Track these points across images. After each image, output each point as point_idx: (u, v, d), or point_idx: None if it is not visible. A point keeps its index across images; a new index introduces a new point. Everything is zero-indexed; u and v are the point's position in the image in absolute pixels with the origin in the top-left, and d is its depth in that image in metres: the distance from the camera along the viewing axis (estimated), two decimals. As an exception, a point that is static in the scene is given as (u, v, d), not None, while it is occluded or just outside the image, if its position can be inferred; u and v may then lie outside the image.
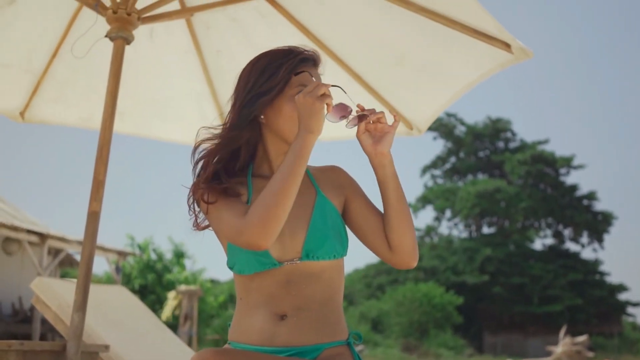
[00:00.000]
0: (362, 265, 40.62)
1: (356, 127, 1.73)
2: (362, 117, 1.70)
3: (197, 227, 1.77)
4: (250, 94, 1.71)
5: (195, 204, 1.74)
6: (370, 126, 1.71)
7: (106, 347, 3.22)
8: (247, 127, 1.73)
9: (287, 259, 1.66)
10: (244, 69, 1.79)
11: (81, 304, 2.84)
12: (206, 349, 1.47)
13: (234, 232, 1.57)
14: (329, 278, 1.70)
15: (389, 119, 1.75)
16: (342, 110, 1.66)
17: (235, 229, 1.57)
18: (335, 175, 1.84)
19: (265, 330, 1.64)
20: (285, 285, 1.66)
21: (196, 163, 1.75)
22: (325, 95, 1.60)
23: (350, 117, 1.69)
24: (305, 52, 1.77)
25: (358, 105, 1.70)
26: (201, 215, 1.76)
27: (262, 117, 1.74)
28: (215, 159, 1.74)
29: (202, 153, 1.75)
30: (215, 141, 1.75)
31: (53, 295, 3.43)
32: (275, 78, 1.70)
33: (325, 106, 1.61)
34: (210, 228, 1.76)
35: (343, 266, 1.77)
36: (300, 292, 1.66)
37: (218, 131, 1.77)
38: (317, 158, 1.87)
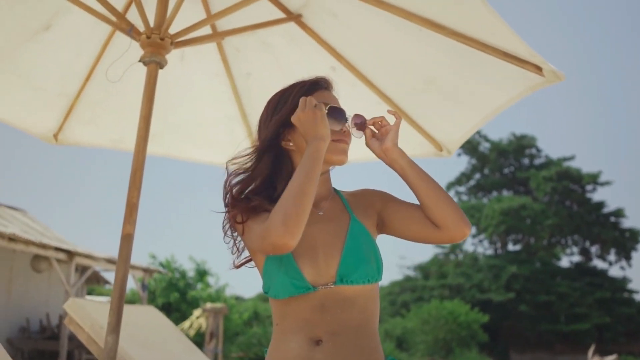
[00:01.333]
0: (387, 282, 40.42)
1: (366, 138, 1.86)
2: (362, 123, 1.84)
3: (235, 265, 1.83)
4: (268, 126, 1.80)
5: (231, 231, 1.78)
6: (376, 134, 1.85)
7: (138, 369, 3.25)
8: (272, 156, 1.80)
9: (322, 283, 1.67)
10: (263, 110, 1.87)
11: (115, 326, 2.87)
12: None
13: (259, 238, 1.61)
14: (364, 303, 1.71)
15: (392, 120, 1.87)
16: (341, 117, 1.78)
17: (260, 235, 1.61)
18: (365, 197, 1.88)
19: (301, 356, 1.65)
20: (320, 310, 1.67)
21: (228, 194, 1.79)
22: (320, 104, 1.71)
23: (348, 123, 1.81)
24: (315, 78, 1.85)
25: (356, 115, 1.82)
26: (239, 244, 1.79)
27: (290, 144, 1.79)
28: (248, 189, 1.79)
29: (235, 185, 1.80)
30: (244, 174, 1.81)
31: (86, 316, 3.47)
32: (287, 104, 1.79)
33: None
34: (248, 265, 1.81)
35: (378, 292, 1.78)
36: (335, 317, 1.66)
37: (245, 159, 1.83)
38: (349, 180, 1.91)
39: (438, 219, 1.76)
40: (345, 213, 1.80)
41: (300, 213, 1.56)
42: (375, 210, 1.85)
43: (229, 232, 1.80)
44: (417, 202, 1.82)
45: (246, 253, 1.82)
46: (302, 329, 1.67)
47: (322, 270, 1.68)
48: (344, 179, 1.99)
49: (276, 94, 1.87)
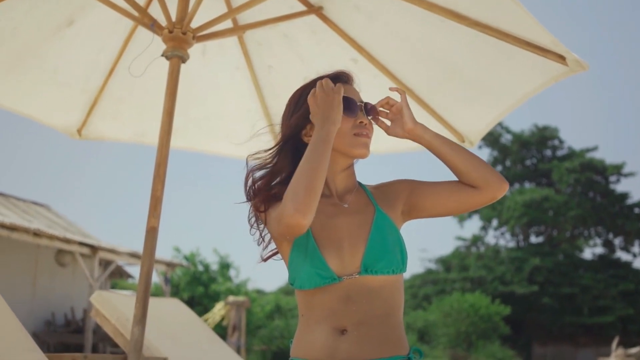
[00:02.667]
0: (408, 275, 40.37)
1: (390, 129, 1.88)
2: (371, 108, 1.86)
3: (263, 258, 1.86)
4: (290, 122, 1.83)
5: (257, 223, 1.80)
6: (388, 114, 1.88)
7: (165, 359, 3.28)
8: (294, 151, 1.82)
9: (347, 273, 1.69)
10: (285, 106, 1.89)
11: (141, 318, 2.90)
12: None
13: (276, 222, 1.65)
14: (389, 294, 1.72)
15: (397, 98, 1.89)
16: (353, 108, 1.79)
17: (276, 218, 1.65)
18: (390, 188, 1.89)
19: (326, 345, 1.67)
20: (345, 300, 1.68)
21: (250, 187, 1.82)
22: (339, 87, 1.74)
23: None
24: (336, 72, 1.86)
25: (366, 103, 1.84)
26: (265, 235, 1.82)
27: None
28: (272, 184, 1.82)
29: (257, 180, 1.82)
30: (266, 169, 1.84)
31: (112, 309, 3.51)
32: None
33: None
34: (275, 257, 1.84)
35: (402, 283, 1.79)
36: (360, 307, 1.68)
37: (266, 154, 1.85)
38: (372, 172, 1.93)
39: (478, 179, 1.79)
40: (370, 205, 1.81)
41: (310, 192, 1.59)
42: (402, 199, 1.86)
43: (254, 225, 1.82)
44: (450, 178, 1.85)
45: (273, 246, 1.84)
46: (327, 319, 1.68)
47: (347, 261, 1.70)
48: (369, 172, 2.00)
49: (297, 90, 1.88)
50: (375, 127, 1.90)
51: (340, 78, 1.87)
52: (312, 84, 1.85)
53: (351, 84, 1.88)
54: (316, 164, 1.63)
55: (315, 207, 1.60)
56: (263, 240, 1.84)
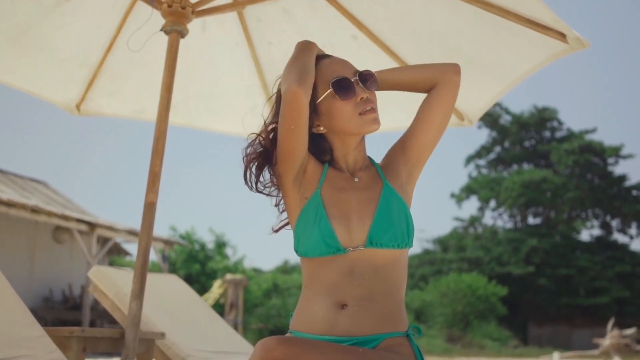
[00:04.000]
0: (405, 255, 40.44)
1: None
2: (367, 74, 1.85)
3: (274, 229, 1.91)
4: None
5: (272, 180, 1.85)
6: None
7: (162, 335, 3.30)
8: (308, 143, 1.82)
9: (353, 245, 1.70)
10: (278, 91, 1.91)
11: (139, 293, 2.91)
12: (270, 337, 1.50)
13: (283, 104, 1.74)
14: (392, 271, 1.73)
15: None
16: (348, 87, 1.81)
17: (282, 104, 1.74)
18: (390, 158, 1.91)
19: (325, 320, 1.68)
20: (349, 274, 1.69)
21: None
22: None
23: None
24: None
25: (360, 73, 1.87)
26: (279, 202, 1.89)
27: (320, 128, 1.82)
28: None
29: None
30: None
31: (110, 284, 3.52)
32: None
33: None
34: (287, 227, 1.87)
35: (406, 261, 1.80)
36: (362, 282, 1.69)
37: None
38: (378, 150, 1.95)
39: (433, 75, 1.88)
40: (379, 180, 1.83)
41: (301, 71, 1.72)
42: (401, 161, 1.88)
43: (268, 188, 1.86)
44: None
45: (284, 215, 1.87)
46: (329, 293, 1.70)
47: (353, 233, 1.71)
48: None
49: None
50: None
51: (323, 55, 1.88)
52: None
53: (333, 57, 1.88)
54: (303, 59, 1.77)
55: (309, 82, 1.72)
56: (278, 205, 1.88)
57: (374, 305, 1.68)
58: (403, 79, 1.91)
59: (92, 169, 68.85)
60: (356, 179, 1.82)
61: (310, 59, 1.78)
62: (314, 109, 1.79)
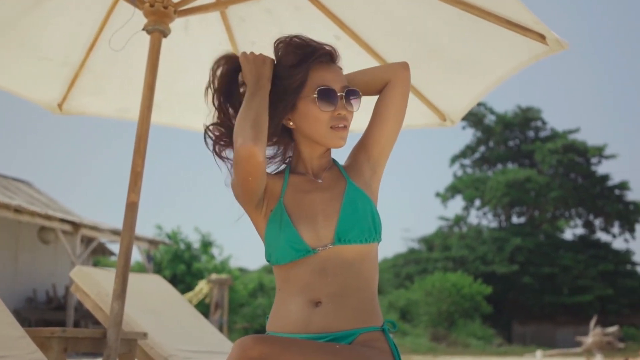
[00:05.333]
0: (391, 255, 40.59)
1: None
2: (353, 92, 1.86)
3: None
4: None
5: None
6: None
7: (144, 335, 3.29)
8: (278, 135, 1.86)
9: (321, 245, 1.72)
10: None
11: (120, 293, 2.91)
12: (248, 336, 1.51)
13: (234, 166, 1.75)
14: (363, 266, 1.75)
15: None
16: (332, 99, 1.81)
17: (233, 165, 1.75)
18: (352, 157, 1.94)
19: (300, 318, 1.69)
20: (320, 273, 1.71)
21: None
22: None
23: None
24: (320, 51, 1.84)
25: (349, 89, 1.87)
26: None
27: (290, 123, 1.84)
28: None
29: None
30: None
31: (92, 284, 3.51)
32: (290, 87, 1.81)
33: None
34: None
35: (377, 255, 1.83)
36: (335, 279, 1.71)
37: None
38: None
39: (384, 74, 1.93)
40: (342, 179, 1.85)
41: (256, 125, 1.71)
42: (363, 159, 1.91)
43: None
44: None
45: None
46: (302, 292, 1.71)
47: (321, 233, 1.73)
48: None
49: (276, 67, 1.89)
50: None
51: (326, 56, 1.84)
52: (280, 61, 1.87)
53: (333, 64, 1.87)
54: (255, 108, 1.74)
55: (264, 136, 1.70)
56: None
57: (347, 301, 1.70)
58: (359, 84, 1.91)
59: (76, 169, 68.47)
60: (320, 180, 1.84)
61: (262, 105, 1.75)
62: (294, 104, 1.81)
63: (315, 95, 1.78)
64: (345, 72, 1.93)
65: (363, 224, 1.74)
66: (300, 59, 1.82)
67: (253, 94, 1.78)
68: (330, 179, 1.85)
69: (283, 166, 1.93)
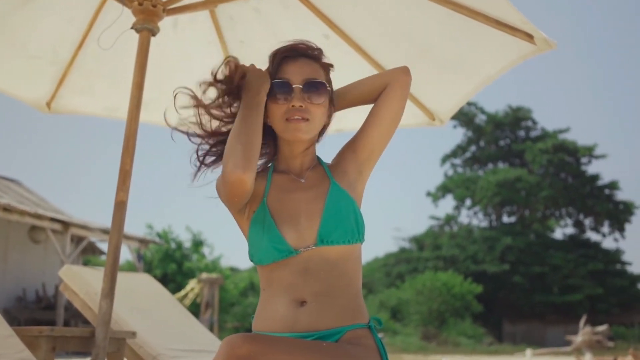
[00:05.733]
0: (382, 254, 40.64)
1: None
2: (317, 84, 1.86)
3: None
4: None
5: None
6: None
7: (133, 334, 3.29)
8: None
9: (304, 246, 1.72)
10: None
11: (109, 292, 2.90)
12: (236, 334, 1.52)
13: (220, 187, 1.74)
14: (346, 265, 1.76)
15: None
16: (284, 91, 1.82)
17: (219, 185, 1.75)
18: (340, 156, 1.94)
19: (286, 317, 1.70)
20: (304, 273, 1.72)
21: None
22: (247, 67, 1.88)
23: None
24: (285, 48, 1.87)
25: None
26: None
27: (268, 120, 1.85)
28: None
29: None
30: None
31: (81, 283, 3.50)
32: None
33: None
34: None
35: (360, 254, 1.83)
36: (318, 279, 1.71)
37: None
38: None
39: (384, 79, 1.92)
40: (326, 179, 1.85)
41: (247, 148, 1.69)
42: (351, 160, 1.90)
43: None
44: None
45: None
46: (286, 292, 1.72)
47: (304, 234, 1.73)
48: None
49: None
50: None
51: (290, 55, 1.86)
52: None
53: (301, 59, 1.86)
54: (250, 126, 1.73)
55: (254, 163, 1.70)
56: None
57: (332, 300, 1.71)
58: (357, 95, 1.94)
59: (66, 168, 68.19)
60: (302, 180, 1.84)
61: (257, 123, 1.75)
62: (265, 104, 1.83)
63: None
64: (336, 71, 1.94)
65: (346, 225, 1.74)
66: (272, 60, 1.87)
67: (250, 107, 1.77)
68: (314, 179, 1.85)
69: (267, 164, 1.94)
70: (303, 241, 1.73)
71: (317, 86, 1.82)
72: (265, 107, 1.82)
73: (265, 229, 1.73)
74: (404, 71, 1.93)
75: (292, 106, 1.79)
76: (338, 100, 1.93)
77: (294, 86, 1.80)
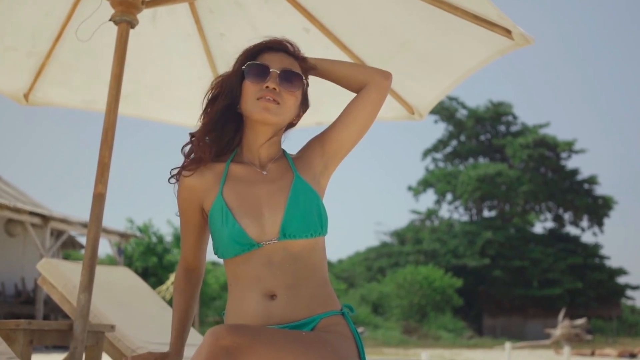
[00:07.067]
0: (363, 248, 40.74)
1: None
2: (293, 76, 1.90)
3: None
4: (223, 93, 1.89)
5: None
6: None
7: (112, 327, 3.27)
8: (226, 120, 1.88)
9: (266, 239, 1.74)
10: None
11: (87, 285, 2.88)
12: (220, 326, 1.53)
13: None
14: (310, 257, 1.78)
15: None
16: (261, 73, 1.86)
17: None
18: (306, 149, 1.96)
19: (258, 312, 1.71)
20: (269, 265, 1.73)
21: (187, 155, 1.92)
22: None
23: None
24: (267, 41, 1.91)
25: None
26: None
27: (239, 106, 1.87)
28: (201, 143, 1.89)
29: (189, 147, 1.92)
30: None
31: (59, 276, 3.48)
32: (235, 69, 1.89)
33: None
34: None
35: (324, 246, 1.85)
36: (284, 271, 1.73)
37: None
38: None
39: (364, 76, 1.95)
40: (289, 172, 1.86)
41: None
42: (317, 154, 1.92)
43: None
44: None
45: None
46: (255, 286, 1.73)
47: (266, 227, 1.75)
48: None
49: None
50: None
51: (270, 47, 1.90)
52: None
53: (282, 52, 1.90)
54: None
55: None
56: None
57: (301, 290, 1.73)
58: (337, 72, 1.97)
59: (45, 161, 67.61)
60: (264, 172, 1.85)
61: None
62: (241, 90, 1.86)
63: (244, 67, 1.85)
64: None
65: (309, 219, 1.75)
66: (244, 53, 1.91)
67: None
68: (277, 171, 1.86)
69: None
70: (265, 234, 1.74)
71: (294, 76, 1.86)
72: (240, 89, 1.85)
73: (224, 222, 1.75)
74: (385, 76, 1.96)
75: (266, 87, 1.82)
76: (321, 63, 1.97)
77: (271, 70, 1.83)
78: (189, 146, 1.89)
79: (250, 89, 1.83)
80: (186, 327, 1.96)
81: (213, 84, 1.92)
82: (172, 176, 1.89)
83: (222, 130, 1.87)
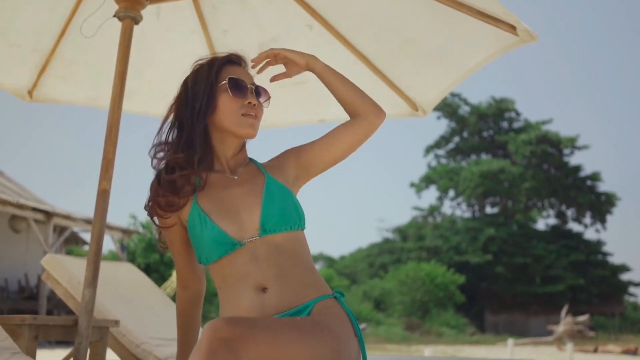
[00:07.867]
0: (365, 244, 40.76)
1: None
2: (262, 91, 1.98)
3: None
4: (193, 115, 1.90)
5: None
6: (277, 62, 2.05)
7: (116, 322, 3.29)
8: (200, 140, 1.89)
9: (248, 237, 1.78)
10: (178, 92, 2.02)
11: (92, 281, 2.89)
12: (218, 318, 1.54)
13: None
14: (292, 247, 1.81)
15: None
16: (242, 89, 1.92)
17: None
18: (279, 159, 2.01)
19: (252, 306, 1.74)
20: (255, 261, 1.76)
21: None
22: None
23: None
24: (226, 54, 1.98)
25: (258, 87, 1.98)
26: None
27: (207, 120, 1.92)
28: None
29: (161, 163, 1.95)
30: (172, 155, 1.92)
31: (63, 272, 3.49)
32: (206, 86, 1.91)
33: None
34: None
35: (304, 239, 1.89)
36: (270, 263, 1.76)
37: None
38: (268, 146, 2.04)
39: (360, 106, 1.98)
40: (260, 174, 1.92)
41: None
42: (291, 164, 1.97)
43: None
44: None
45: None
46: (245, 282, 1.76)
47: (245, 226, 1.79)
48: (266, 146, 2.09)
49: (190, 76, 2.01)
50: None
51: (232, 60, 1.98)
52: (193, 72, 1.99)
53: (244, 67, 2.00)
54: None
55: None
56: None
57: (291, 279, 1.76)
58: (338, 91, 2.02)
59: (47, 158, 67.67)
60: (235, 177, 1.90)
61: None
62: (214, 104, 1.89)
63: (225, 82, 1.88)
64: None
65: (286, 212, 1.81)
66: (209, 66, 1.94)
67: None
68: (247, 174, 1.92)
69: None
70: (246, 232, 1.78)
71: (263, 90, 1.97)
72: (216, 102, 1.89)
73: (203, 227, 1.78)
74: (379, 115, 1.99)
75: (249, 103, 1.89)
76: (328, 74, 2.02)
77: (248, 85, 1.91)
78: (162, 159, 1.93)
79: (232, 104, 1.88)
80: (188, 349, 2.01)
81: (182, 92, 1.99)
82: (146, 208, 1.93)
83: (204, 145, 1.89)
